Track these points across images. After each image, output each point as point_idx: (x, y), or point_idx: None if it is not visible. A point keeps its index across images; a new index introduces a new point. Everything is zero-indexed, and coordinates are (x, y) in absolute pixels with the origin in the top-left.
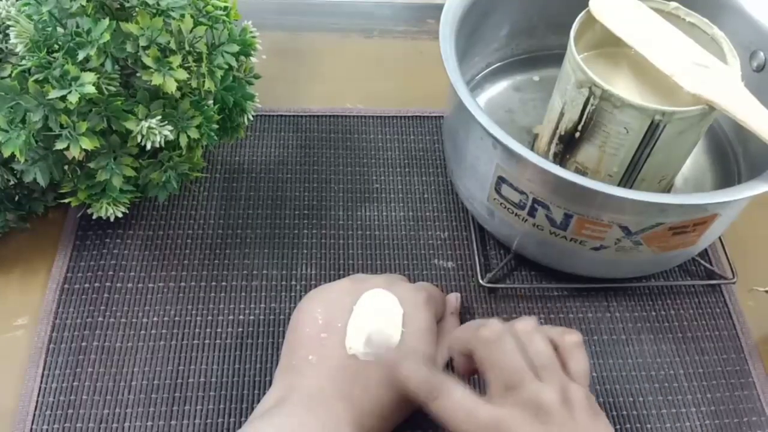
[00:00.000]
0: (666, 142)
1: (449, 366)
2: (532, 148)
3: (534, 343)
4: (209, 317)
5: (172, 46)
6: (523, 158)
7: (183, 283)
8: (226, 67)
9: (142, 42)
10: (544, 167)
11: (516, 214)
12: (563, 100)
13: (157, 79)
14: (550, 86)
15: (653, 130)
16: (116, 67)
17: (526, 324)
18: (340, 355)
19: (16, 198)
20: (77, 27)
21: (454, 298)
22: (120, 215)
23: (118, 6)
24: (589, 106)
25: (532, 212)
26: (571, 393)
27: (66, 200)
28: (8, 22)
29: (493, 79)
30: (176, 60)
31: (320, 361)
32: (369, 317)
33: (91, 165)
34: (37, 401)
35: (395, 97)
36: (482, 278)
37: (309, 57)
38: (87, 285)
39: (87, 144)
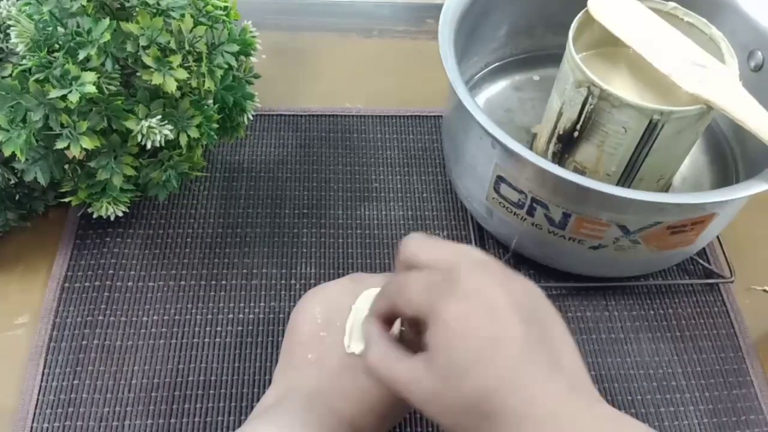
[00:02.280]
0: (664, 142)
1: None
2: (530, 148)
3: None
4: (209, 316)
5: (172, 45)
6: (521, 158)
7: (183, 282)
8: (226, 66)
9: (143, 42)
10: (543, 166)
11: (515, 214)
12: (562, 99)
13: (157, 79)
14: (550, 86)
15: (651, 130)
16: (116, 66)
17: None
18: (338, 354)
19: (17, 197)
20: (78, 27)
21: None
22: (120, 214)
23: (119, 6)
24: (587, 106)
25: (530, 211)
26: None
27: (66, 199)
28: (9, 22)
29: (492, 79)
30: (176, 60)
31: (319, 359)
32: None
33: (92, 164)
34: (37, 400)
35: (394, 96)
36: None
37: (309, 57)
38: (87, 284)
39: (87, 143)
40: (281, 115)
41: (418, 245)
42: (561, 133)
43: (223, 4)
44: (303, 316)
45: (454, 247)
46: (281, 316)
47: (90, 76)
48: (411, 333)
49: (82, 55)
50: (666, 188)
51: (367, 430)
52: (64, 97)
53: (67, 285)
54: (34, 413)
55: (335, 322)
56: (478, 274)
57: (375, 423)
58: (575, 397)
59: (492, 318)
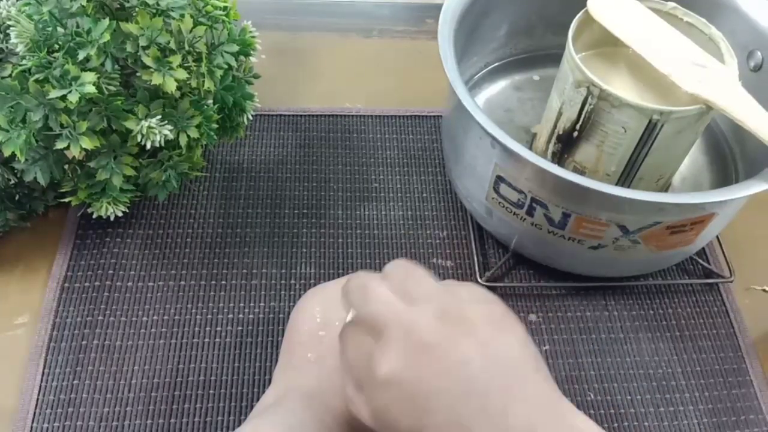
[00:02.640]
0: (664, 142)
1: None
2: (530, 148)
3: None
4: (209, 316)
5: (172, 46)
6: (521, 158)
7: (183, 282)
8: (226, 66)
9: (142, 42)
10: (543, 166)
11: (514, 213)
12: (561, 99)
13: (157, 79)
14: (549, 86)
15: (651, 130)
16: (116, 66)
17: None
18: (338, 353)
19: (17, 197)
20: (77, 27)
21: None
22: (120, 214)
23: (118, 6)
24: (587, 106)
25: (530, 211)
26: (453, 310)
27: (66, 199)
28: (9, 22)
29: (492, 79)
30: (176, 60)
31: (319, 359)
32: None
33: (92, 164)
34: (37, 399)
35: (394, 96)
36: (481, 277)
37: (308, 57)
38: (87, 284)
39: (87, 143)
40: (281, 115)
41: (353, 296)
42: (561, 133)
43: (222, 4)
44: (302, 316)
45: (383, 301)
46: (281, 316)
47: (90, 77)
48: None
49: (81, 56)
50: (666, 188)
51: (365, 429)
52: (63, 98)
53: (67, 285)
54: (34, 413)
55: (334, 321)
56: (398, 351)
57: None
58: None
59: (412, 406)
